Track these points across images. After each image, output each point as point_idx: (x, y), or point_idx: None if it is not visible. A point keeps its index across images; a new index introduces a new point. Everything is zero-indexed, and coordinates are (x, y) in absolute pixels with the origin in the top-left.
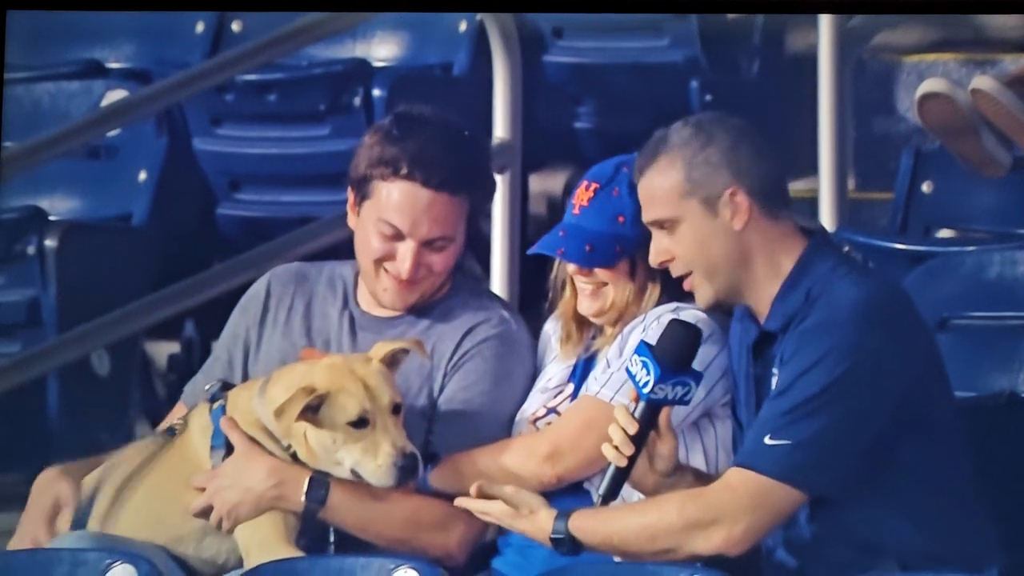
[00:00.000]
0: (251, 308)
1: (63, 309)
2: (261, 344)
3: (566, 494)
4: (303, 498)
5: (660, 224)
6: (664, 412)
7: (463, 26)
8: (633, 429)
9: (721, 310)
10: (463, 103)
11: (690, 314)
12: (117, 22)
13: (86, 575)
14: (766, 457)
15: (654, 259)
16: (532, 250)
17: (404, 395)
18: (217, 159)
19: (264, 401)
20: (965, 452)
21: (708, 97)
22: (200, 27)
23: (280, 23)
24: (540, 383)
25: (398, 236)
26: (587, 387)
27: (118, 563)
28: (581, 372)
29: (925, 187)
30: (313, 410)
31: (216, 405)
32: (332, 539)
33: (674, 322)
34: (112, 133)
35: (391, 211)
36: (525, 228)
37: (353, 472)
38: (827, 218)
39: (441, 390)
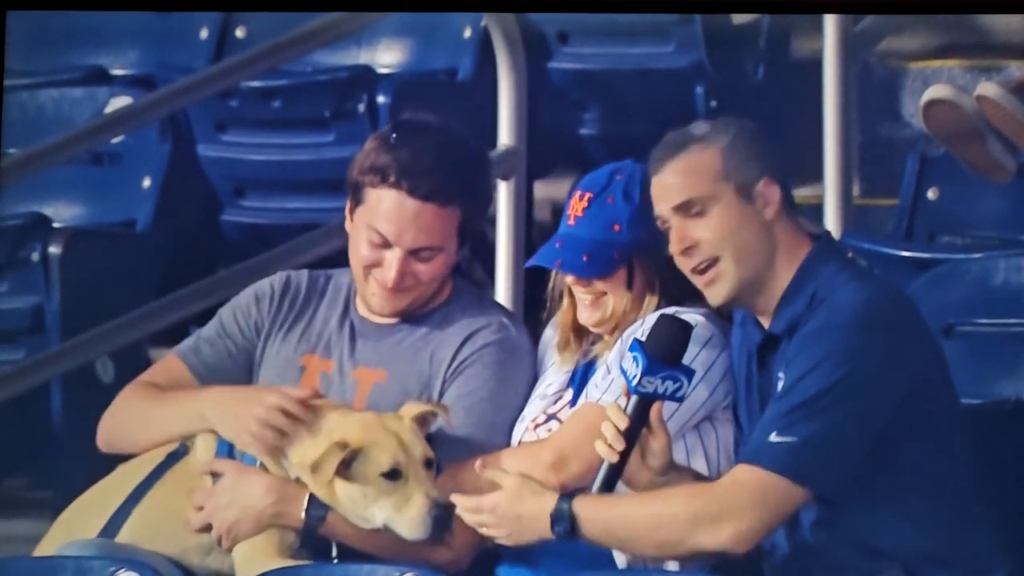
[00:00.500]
0: (264, 303)
1: (67, 316)
2: (269, 345)
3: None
4: (303, 515)
5: (690, 206)
6: (655, 408)
7: (467, 32)
8: (623, 424)
9: (721, 314)
10: (467, 109)
11: (689, 317)
12: (121, 28)
13: None
14: (771, 454)
15: (678, 245)
16: (529, 263)
17: (403, 402)
18: (221, 165)
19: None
20: (970, 457)
21: (713, 103)
22: (204, 33)
23: (284, 29)
24: (539, 389)
25: (385, 244)
26: (587, 393)
27: (122, 571)
28: (580, 378)
29: (930, 193)
30: (346, 464)
31: None
32: (335, 553)
33: (663, 316)
34: (116, 139)
35: (379, 219)
36: (530, 234)
37: (386, 527)
38: (832, 224)
39: (440, 396)
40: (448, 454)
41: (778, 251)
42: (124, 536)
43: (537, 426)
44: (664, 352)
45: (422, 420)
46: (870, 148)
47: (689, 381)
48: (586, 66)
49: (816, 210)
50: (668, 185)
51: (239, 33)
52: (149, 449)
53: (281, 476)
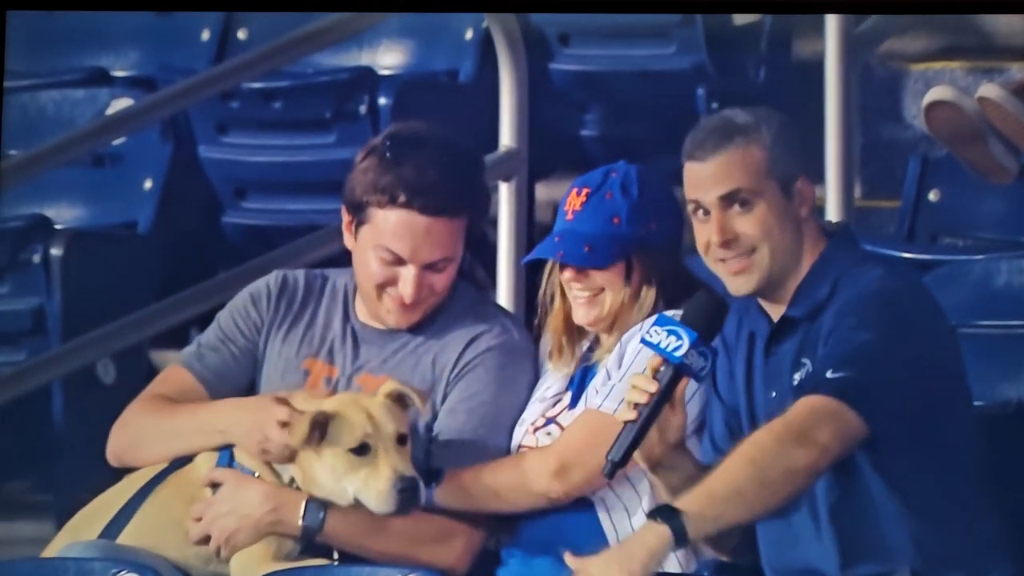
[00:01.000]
0: (261, 302)
1: (68, 317)
2: (269, 345)
3: (571, 507)
4: (300, 521)
5: (736, 198)
6: (681, 384)
7: (469, 33)
8: (654, 388)
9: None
10: (469, 111)
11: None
12: (122, 29)
13: None
14: (828, 386)
15: (719, 236)
16: (528, 257)
17: None
18: (222, 167)
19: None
20: (978, 455)
21: (715, 104)
22: (205, 34)
23: (285, 30)
24: (538, 392)
25: (399, 261)
26: (587, 398)
27: (124, 572)
28: (579, 381)
29: (932, 195)
30: (320, 434)
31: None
32: (335, 556)
33: (703, 292)
34: (117, 141)
35: (390, 238)
36: (532, 236)
37: (356, 500)
38: None
39: (444, 400)
40: (451, 457)
41: (805, 246)
42: (123, 540)
43: (536, 429)
44: (706, 328)
45: (399, 398)
46: (872, 150)
47: (713, 364)
48: (587, 67)
49: (818, 212)
50: (713, 174)
51: (240, 34)
52: (162, 462)
53: (278, 484)
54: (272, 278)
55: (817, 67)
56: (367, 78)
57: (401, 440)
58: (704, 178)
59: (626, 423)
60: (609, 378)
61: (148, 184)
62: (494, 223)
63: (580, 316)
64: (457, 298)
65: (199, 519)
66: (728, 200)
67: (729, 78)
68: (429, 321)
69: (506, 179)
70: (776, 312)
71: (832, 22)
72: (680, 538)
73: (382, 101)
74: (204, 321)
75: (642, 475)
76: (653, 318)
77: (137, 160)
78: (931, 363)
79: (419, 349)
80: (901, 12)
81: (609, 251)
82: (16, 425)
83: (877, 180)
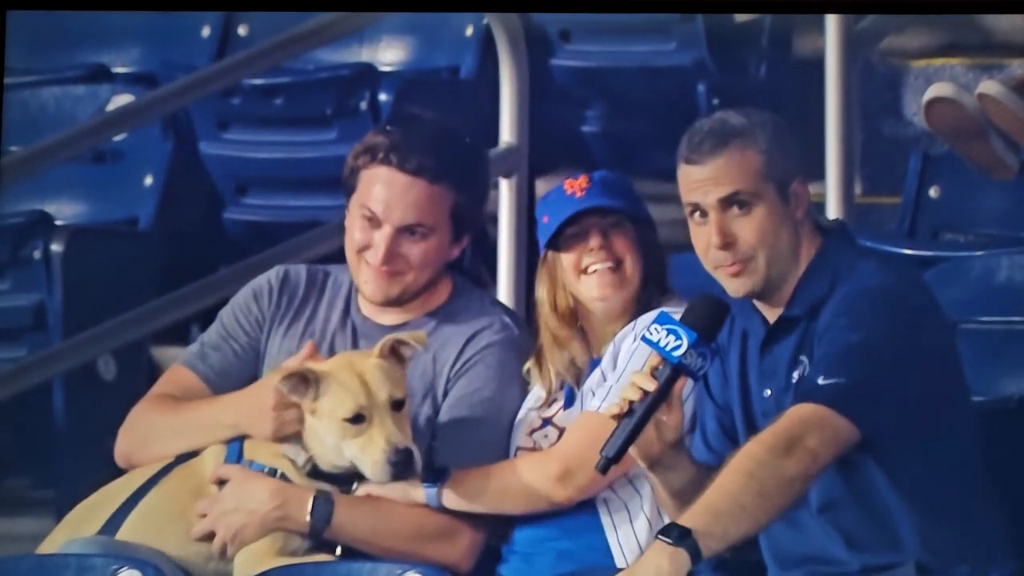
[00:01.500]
0: (263, 298)
1: (69, 314)
2: (271, 340)
3: (573, 506)
4: (308, 518)
5: (736, 200)
6: (679, 383)
7: (470, 30)
8: (652, 386)
9: None
10: (470, 107)
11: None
12: (122, 26)
13: None
14: (819, 393)
15: (719, 238)
16: (553, 223)
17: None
18: (224, 163)
19: None
20: (979, 451)
21: (715, 100)
22: (206, 31)
23: (286, 27)
24: (533, 394)
25: (376, 223)
26: (583, 399)
27: (125, 569)
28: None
29: (933, 191)
30: (315, 393)
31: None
32: (338, 551)
33: (706, 294)
34: (118, 137)
35: (369, 197)
36: (532, 233)
37: (352, 464)
38: None
39: (445, 396)
40: (454, 453)
41: (801, 248)
42: (124, 533)
43: (533, 431)
44: (706, 329)
45: (394, 352)
46: (872, 146)
47: (712, 363)
48: (588, 64)
49: (818, 208)
50: (712, 177)
51: (241, 31)
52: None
53: (293, 477)
54: (274, 273)
55: (818, 64)
56: (368, 74)
57: (396, 406)
58: (702, 181)
59: (621, 419)
60: (605, 379)
61: (149, 180)
62: (494, 220)
63: (598, 291)
64: (458, 295)
65: (204, 515)
66: (727, 203)
67: (730, 74)
68: (429, 316)
69: (507, 175)
70: (772, 313)
71: (832, 19)
72: (695, 559)
73: (383, 97)
74: (205, 317)
75: (643, 476)
76: (644, 318)
77: (138, 156)
78: (927, 358)
79: None
80: (901, 12)
81: (637, 203)
82: (17, 421)
83: (878, 176)
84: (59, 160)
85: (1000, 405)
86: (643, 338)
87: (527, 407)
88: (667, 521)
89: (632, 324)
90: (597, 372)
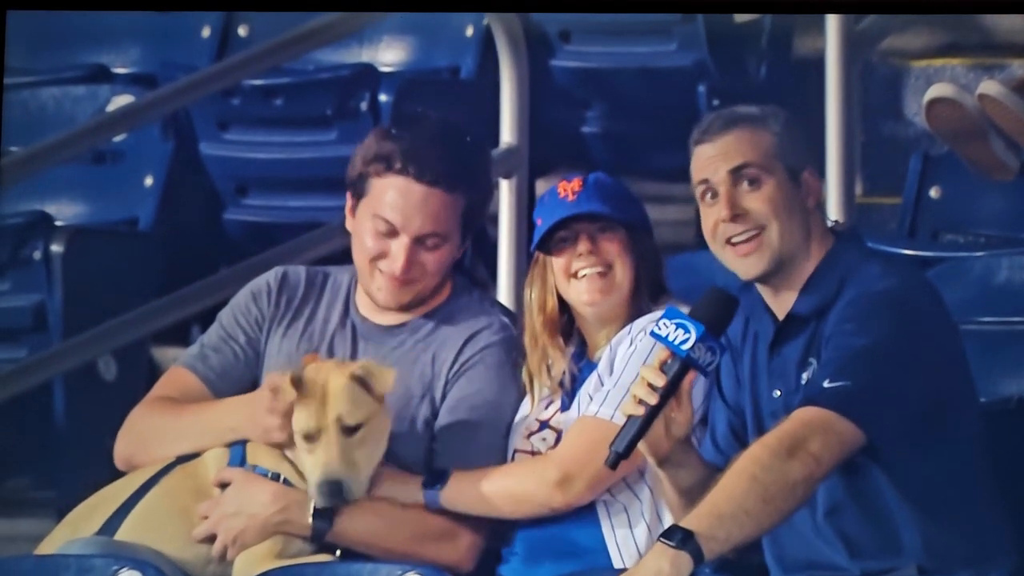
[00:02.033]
0: (262, 299)
1: (69, 314)
2: (270, 341)
3: (572, 512)
4: (309, 521)
5: (746, 172)
6: (688, 378)
7: (470, 30)
8: (660, 382)
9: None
10: (470, 108)
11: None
12: (122, 26)
13: None
14: (825, 396)
15: (728, 210)
16: (551, 221)
17: (406, 404)
18: (224, 164)
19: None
20: (982, 451)
21: (716, 101)
22: (206, 31)
23: (286, 27)
24: (522, 411)
25: (392, 232)
26: (580, 403)
27: (125, 569)
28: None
29: (933, 192)
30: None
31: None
32: (338, 553)
33: (714, 288)
34: (118, 138)
35: (385, 207)
36: (532, 233)
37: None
38: None
39: (443, 397)
40: (453, 454)
41: (812, 239)
42: (123, 534)
43: (531, 434)
44: (716, 323)
45: (361, 381)
46: (873, 147)
47: (720, 358)
48: (588, 64)
49: (819, 208)
50: (722, 151)
51: (241, 31)
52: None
53: (294, 482)
54: (273, 274)
55: (818, 64)
56: (368, 75)
57: (346, 430)
58: (713, 156)
59: (630, 415)
60: (602, 384)
61: (149, 181)
62: (495, 220)
63: (587, 296)
64: (457, 295)
65: (205, 517)
66: (737, 175)
67: (730, 75)
68: (428, 316)
69: (507, 176)
70: (782, 307)
71: (833, 20)
72: (697, 562)
73: (383, 98)
74: (206, 318)
75: (642, 481)
76: (639, 322)
77: (138, 157)
78: (934, 362)
79: (418, 345)
80: (901, 12)
81: (630, 207)
82: (17, 422)
83: (878, 177)
84: (59, 160)
85: (1000, 405)
86: (651, 332)
87: (524, 409)
88: (667, 526)
89: (628, 328)
90: (594, 376)
